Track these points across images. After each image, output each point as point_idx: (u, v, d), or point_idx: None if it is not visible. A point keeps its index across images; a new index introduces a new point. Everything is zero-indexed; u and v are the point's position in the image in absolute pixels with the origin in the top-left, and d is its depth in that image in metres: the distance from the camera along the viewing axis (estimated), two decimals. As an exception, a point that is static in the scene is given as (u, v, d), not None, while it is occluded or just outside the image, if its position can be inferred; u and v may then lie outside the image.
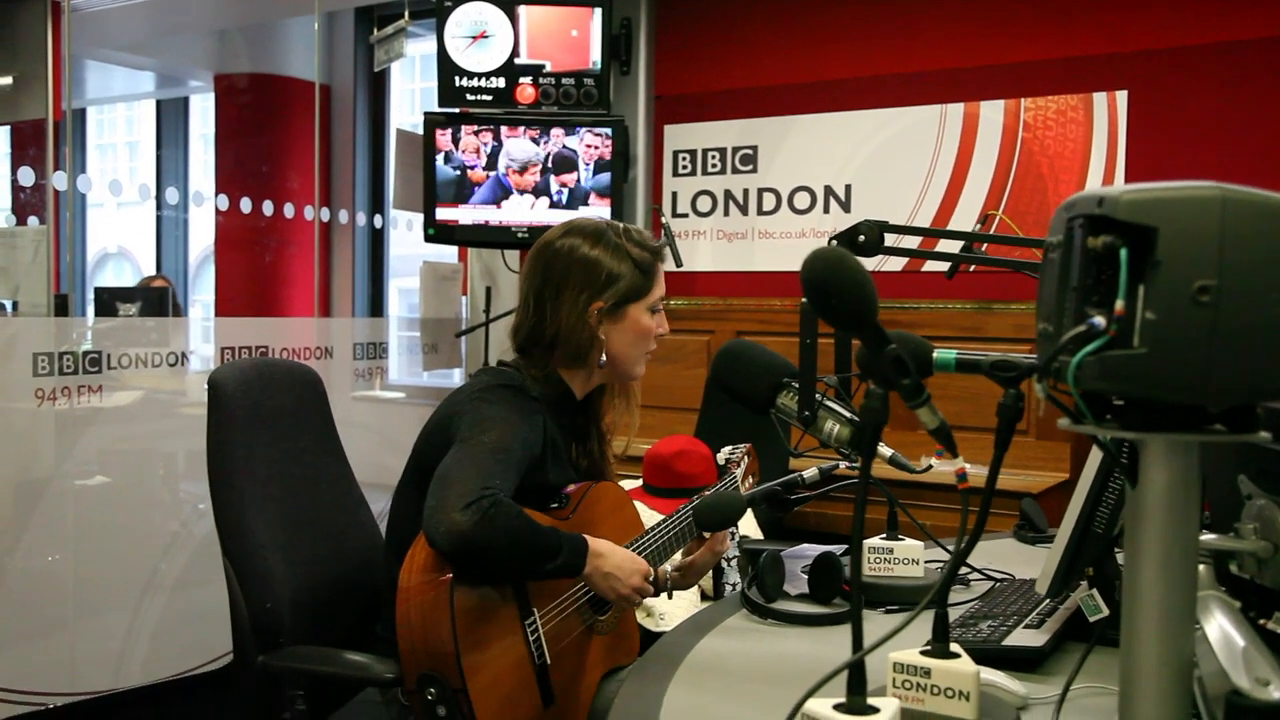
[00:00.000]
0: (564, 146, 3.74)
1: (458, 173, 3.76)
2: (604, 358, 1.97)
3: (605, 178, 3.75)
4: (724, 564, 2.10)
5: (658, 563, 1.97)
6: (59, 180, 3.42)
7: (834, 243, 1.65)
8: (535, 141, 3.75)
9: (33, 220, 4.15)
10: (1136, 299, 0.81)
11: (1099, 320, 0.82)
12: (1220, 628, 1.06)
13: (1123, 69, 3.74)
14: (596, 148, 3.74)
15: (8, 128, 4.96)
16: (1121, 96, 3.73)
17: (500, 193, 3.80)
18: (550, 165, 3.75)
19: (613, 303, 1.95)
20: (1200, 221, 0.80)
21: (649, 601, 2.36)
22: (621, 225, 2.03)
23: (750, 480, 2.25)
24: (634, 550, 1.91)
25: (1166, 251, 0.80)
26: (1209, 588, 1.13)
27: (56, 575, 3.16)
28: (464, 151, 3.75)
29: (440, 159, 3.75)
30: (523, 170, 3.74)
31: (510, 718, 1.72)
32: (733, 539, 2.09)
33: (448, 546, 1.64)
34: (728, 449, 2.25)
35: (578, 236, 1.98)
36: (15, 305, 4.13)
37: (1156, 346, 0.81)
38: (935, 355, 1.16)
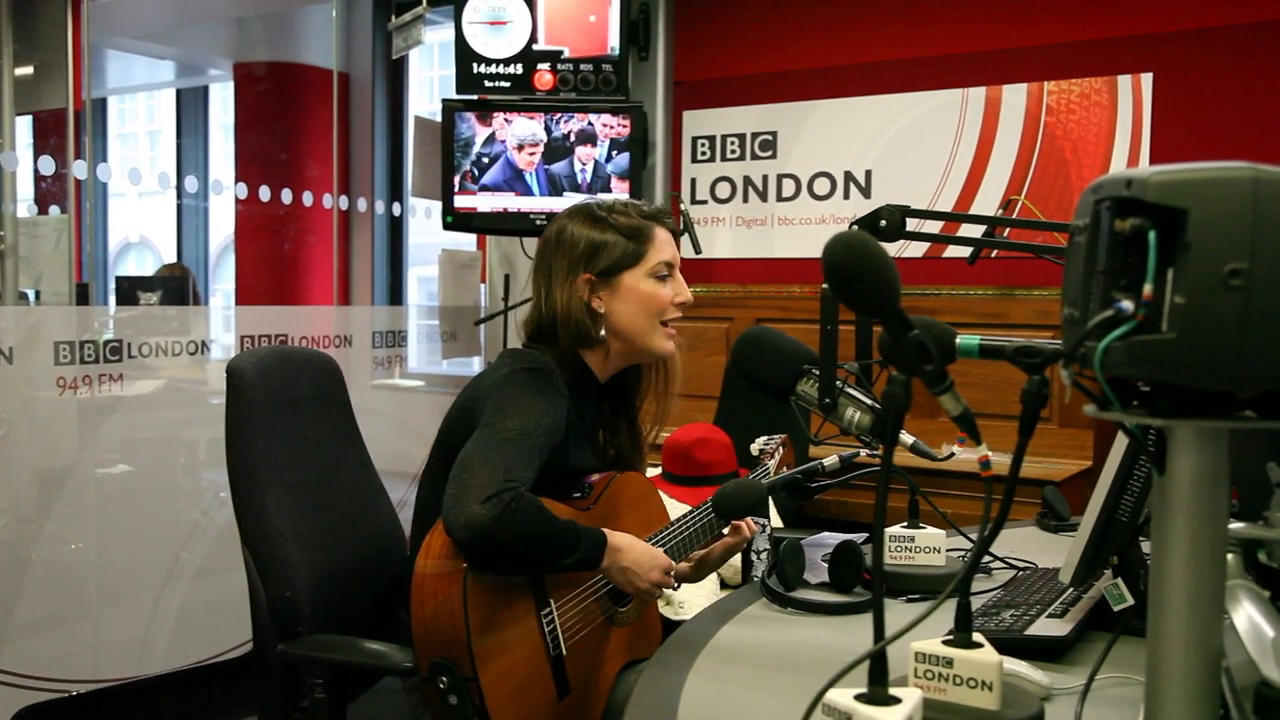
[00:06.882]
0: (587, 123, 3.74)
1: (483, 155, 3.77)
2: (603, 331, 1.97)
3: (624, 159, 3.73)
4: (754, 558, 2.08)
5: (679, 557, 1.95)
6: (79, 169, 3.43)
7: (855, 227, 1.64)
8: (544, 124, 3.74)
9: (54, 210, 4.17)
10: (1165, 283, 0.79)
11: (1126, 304, 0.81)
12: (1249, 618, 1.04)
13: (1148, 51, 3.69)
14: (612, 126, 3.73)
15: (29, 117, 4.97)
16: (1146, 79, 3.69)
17: (511, 173, 3.79)
18: (573, 140, 3.74)
19: (600, 271, 1.95)
20: (1232, 203, 0.78)
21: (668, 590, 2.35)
22: (611, 199, 2.04)
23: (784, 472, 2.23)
24: (654, 544, 1.90)
25: (1197, 234, 0.78)
26: (1237, 577, 1.11)
27: (79, 563, 3.18)
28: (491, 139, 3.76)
29: (479, 142, 3.75)
30: (520, 148, 3.74)
31: (523, 708, 1.71)
32: (763, 530, 2.07)
33: (466, 539, 1.63)
34: (762, 439, 2.23)
35: (564, 218, 2.01)
36: (38, 294, 4.15)
37: (1186, 331, 0.79)
38: (958, 341, 1.15)
